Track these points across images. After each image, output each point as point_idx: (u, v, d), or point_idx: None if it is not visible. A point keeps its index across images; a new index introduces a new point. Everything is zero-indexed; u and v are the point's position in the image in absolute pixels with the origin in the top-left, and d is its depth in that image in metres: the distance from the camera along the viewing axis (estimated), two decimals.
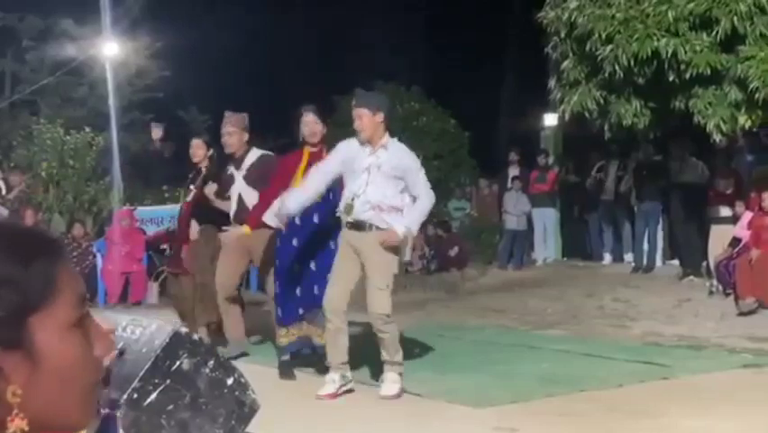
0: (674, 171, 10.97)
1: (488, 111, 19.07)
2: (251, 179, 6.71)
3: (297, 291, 6.06)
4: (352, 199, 5.34)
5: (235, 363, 1.36)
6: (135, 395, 1.46)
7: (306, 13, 21.86)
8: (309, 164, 5.88)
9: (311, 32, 21.58)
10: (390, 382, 5.48)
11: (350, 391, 5.55)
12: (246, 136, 6.86)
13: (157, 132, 7.10)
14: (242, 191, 6.73)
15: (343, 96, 16.65)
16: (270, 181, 6.30)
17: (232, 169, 6.88)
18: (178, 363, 1.52)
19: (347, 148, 5.49)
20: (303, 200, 5.55)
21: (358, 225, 5.37)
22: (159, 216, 13.05)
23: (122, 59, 15.50)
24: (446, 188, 14.51)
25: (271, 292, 6.41)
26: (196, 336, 1.50)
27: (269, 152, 7.12)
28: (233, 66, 19.33)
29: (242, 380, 1.54)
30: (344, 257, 5.45)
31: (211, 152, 7.42)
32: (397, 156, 5.40)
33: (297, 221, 5.97)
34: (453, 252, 13.62)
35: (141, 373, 1.49)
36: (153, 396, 1.54)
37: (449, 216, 14.87)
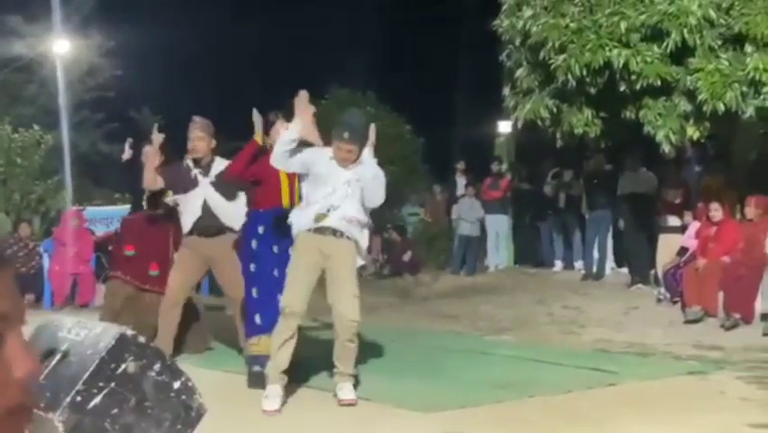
0: (625, 181, 11.14)
1: (442, 117, 19.17)
2: (219, 186, 6.63)
3: (262, 300, 5.93)
4: (328, 210, 5.32)
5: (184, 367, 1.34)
6: (79, 398, 1.43)
7: (262, 15, 21.75)
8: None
9: (266, 34, 21.48)
10: (349, 389, 5.43)
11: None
12: (213, 143, 6.82)
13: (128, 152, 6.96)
14: (209, 197, 6.62)
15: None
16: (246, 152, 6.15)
17: (196, 172, 6.72)
18: (123, 366, 1.49)
19: (319, 155, 5.45)
20: (295, 159, 5.43)
21: (330, 231, 5.35)
22: (108, 216, 12.86)
23: (73, 58, 15.27)
24: (400, 193, 14.55)
25: (238, 299, 6.32)
26: (142, 339, 1.47)
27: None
28: (187, 67, 19.16)
29: (190, 384, 1.51)
30: (308, 260, 5.35)
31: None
32: (371, 170, 5.42)
33: (277, 228, 5.89)
34: (407, 257, 13.65)
35: (86, 376, 1.46)
36: (97, 399, 1.51)
37: (403, 221, 14.92)
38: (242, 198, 6.72)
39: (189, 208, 6.66)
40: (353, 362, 5.46)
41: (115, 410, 1.44)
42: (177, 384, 1.39)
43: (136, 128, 17.77)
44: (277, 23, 21.33)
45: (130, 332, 1.58)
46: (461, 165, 14.66)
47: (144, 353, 1.49)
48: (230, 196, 6.66)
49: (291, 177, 5.88)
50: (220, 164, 6.70)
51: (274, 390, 5.30)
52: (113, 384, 1.46)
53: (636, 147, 10.56)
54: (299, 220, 5.44)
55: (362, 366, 6.29)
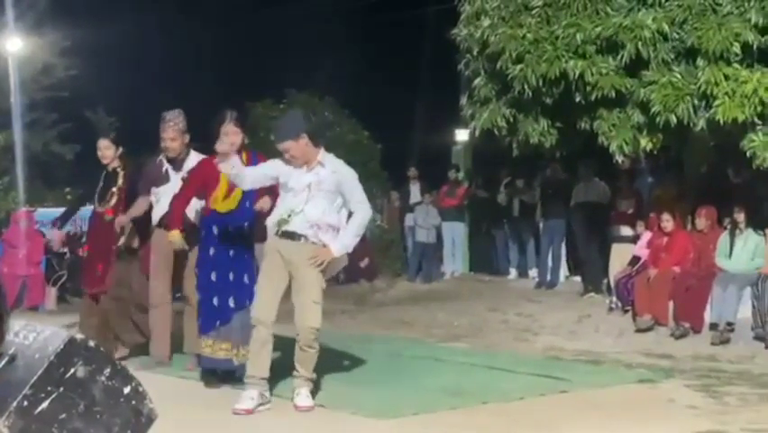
0: (579, 191, 11.27)
1: (400, 124, 19.21)
2: None
3: (215, 302, 5.95)
4: (289, 216, 5.30)
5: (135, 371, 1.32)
6: (26, 403, 1.41)
7: (221, 17, 21.62)
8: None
9: (225, 36, 21.35)
10: (305, 396, 5.43)
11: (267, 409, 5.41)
12: (187, 138, 6.77)
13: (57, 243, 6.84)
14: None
15: (255, 102, 16.55)
16: (188, 183, 6.23)
17: (168, 167, 6.72)
18: (72, 370, 1.47)
19: (278, 163, 5.46)
20: (252, 179, 5.50)
21: (292, 236, 5.31)
22: None
23: (27, 56, 15.01)
24: None
25: (192, 300, 6.38)
26: (92, 343, 1.44)
27: (208, 157, 7.07)
28: (144, 67, 18.96)
29: (140, 389, 1.49)
30: (272, 266, 5.36)
31: (120, 150, 7.14)
32: (335, 170, 5.39)
33: (215, 230, 5.94)
34: (364, 263, 13.64)
35: (33, 380, 1.43)
36: (45, 404, 1.49)
37: None
38: None
39: (160, 203, 6.67)
40: (312, 367, 5.44)
41: (63, 416, 1.41)
42: (127, 389, 1.37)
43: (90, 129, 17.54)
44: (236, 24, 21.22)
45: (80, 336, 1.55)
46: (412, 172, 14.71)
47: (94, 357, 1.46)
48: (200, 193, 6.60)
49: (231, 185, 5.83)
50: (194, 159, 6.68)
51: (249, 394, 5.33)
52: (61, 389, 1.44)
53: (590, 157, 10.71)
54: (268, 227, 5.47)
55: (318, 373, 6.27)
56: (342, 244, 5.38)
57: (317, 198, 5.30)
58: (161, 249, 6.59)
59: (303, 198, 5.30)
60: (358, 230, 5.44)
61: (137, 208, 6.84)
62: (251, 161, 5.89)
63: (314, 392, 5.63)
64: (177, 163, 6.70)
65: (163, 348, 6.77)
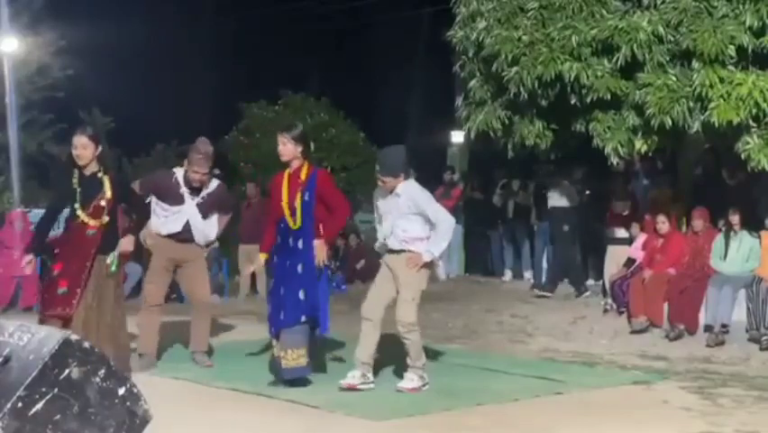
0: (553, 195, 11.38)
1: (396, 126, 19.23)
2: (204, 207, 6.95)
3: (272, 310, 6.28)
4: (385, 238, 6.32)
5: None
6: (20, 404, 1.41)
7: (217, 18, 21.63)
8: (289, 184, 6.19)
9: (221, 37, 21.35)
10: (409, 379, 6.11)
11: (370, 390, 6.07)
12: (209, 167, 6.98)
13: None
14: (193, 218, 6.89)
15: (251, 102, 16.56)
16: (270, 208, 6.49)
17: (186, 190, 6.91)
18: (66, 371, 1.47)
19: (379, 196, 6.48)
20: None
21: (393, 250, 6.27)
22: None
23: (22, 56, 14.98)
24: (353, 200, 14.54)
25: (199, 303, 6.99)
26: (87, 344, 1.44)
27: (221, 182, 7.29)
28: (140, 68, 18.95)
29: (135, 390, 1.49)
30: (383, 276, 6.33)
31: (100, 149, 6.07)
32: (409, 195, 6.25)
33: (280, 242, 6.26)
34: (360, 264, 13.64)
35: (28, 381, 1.43)
36: (39, 405, 1.49)
37: (355, 228, 14.91)
38: (214, 218, 7.08)
39: (169, 221, 6.87)
40: (415, 354, 6.15)
41: (58, 417, 1.41)
42: (122, 391, 1.37)
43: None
44: (231, 25, 21.22)
45: (74, 337, 1.54)
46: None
47: (89, 358, 1.46)
48: (208, 216, 7.00)
49: (292, 197, 6.15)
50: (212, 184, 7.01)
51: (352, 372, 6.12)
52: (55, 390, 1.43)
53: (565, 161, 10.89)
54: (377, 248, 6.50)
55: (313, 375, 6.28)
56: (429, 250, 6.20)
57: (398, 219, 6.22)
58: (163, 255, 6.91)
59: (389, 222, 6.26)
60: (442, 239, 6.30)
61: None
62: (311, 175, 6.17)
63: (307, 394, 5.71)
64: (195, 189, 6.91)
65: (152, 347, 6.90)
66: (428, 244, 6.22)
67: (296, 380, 6.08)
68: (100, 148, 6.05)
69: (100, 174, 6.00)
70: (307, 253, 6.09)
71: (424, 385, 6.11)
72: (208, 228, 7.04)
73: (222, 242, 12.79)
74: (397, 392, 6.05)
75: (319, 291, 6.16)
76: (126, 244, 6.09)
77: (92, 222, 5.95)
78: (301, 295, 6.06)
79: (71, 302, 5.84)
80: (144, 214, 6.51)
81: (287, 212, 6.17)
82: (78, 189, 5.98)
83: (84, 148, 5.96)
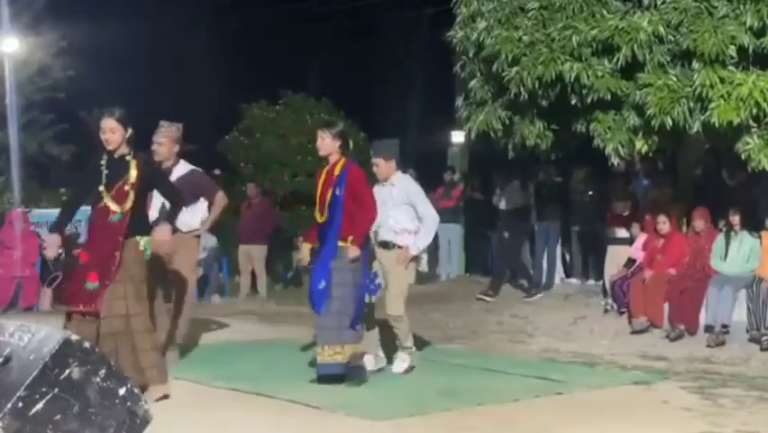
0: (506, 196, 11.72)
1: (397, 126, 19.23)
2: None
3: (310, 291, 6.38)
4: (376, 228, 6.55)
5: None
6: (20, 404, 1.41)
7: (217, 18, 21.62)
8: (326, 180, 6.30)
9: (221, 37, 21.35)
10: (400, 360, 6.69)
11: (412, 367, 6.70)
12: (176, 147, 6.87)
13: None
14: (166, 201, 6.53)
15: (251, 103, 16.56)
16: None
17: None
18: (67, 371, 1.47)
19: (377, 187, 6.71)
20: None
21: (383, 244, 6.63)
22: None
23: (23, 57, 14.98)
24: None
25: (179, 299, 6.87)
26: (87, 344, 1.44)
27: (198, 168, 7.17)
28: (140, 68, 18.94)
29: (135, 390, 1.49)
30: (378, 269, 6.64)
31: (129, 132, 5.73)
32: (403, 187, 6.66)
33: (318, 234, 6.39)
34: None
35: (28, 381, 1.43)
36: (40, 405, 1.49)
37: None
38: (198, 205, 6.94)
39: (150, 208, 6.66)
40: (404, 338, 6.72)
41: (58, 417, 1.41)
42: (122, 391, 1.37)
43: (86, 130, 17.51)
44: (232, 25, 21.21)
45: (75, 337, 1.54)
46: (408, 173, 14.68)
47: (89, 358, 1.46)
48: (186, 201, 6.62)
49: (325, 191, 6.27)
50: (182, 168, 6.89)
51: (401, 356, 6.75)
52: (56, 390, 1.43)
53: (516, 164, 11.08)
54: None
55: (310, 374, 6.29)
56: (416, 244, 6.62)
57: (392, 209, 6.54)
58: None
59: (383, 211, 6.44)
60: (428, 232, 6.69)
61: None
62: (343, 171, 6.23)
63: (307, 394, 5.72)
64: (166, 170, 6.82)
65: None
66: (416, 238, 6.62)
67: (329, 376, 6.11)
68: (130, 131, 5.72)
69: (128, 157, 5.69)
70: (331, 246, 6.15)
71: (411, 366, 6.72)
72: (189, 215, 6.79)
73: (222, 242, 12.83)
74: (397, 392, 6.05)
75: (354, 291, 6.19)
76: (161, 232, 5.70)
77: (114, 206, 5.59)
78: (321, 284, 6.15)
79: (99, 299, 5.46)
80: (177, 200, 6.00)
81: (317, 206, 6.31)
82: (105, 172, 5.69)
83: (112, 132, 5.67)
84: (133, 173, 5.63)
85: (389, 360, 6.83)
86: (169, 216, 5.96)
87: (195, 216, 6.99)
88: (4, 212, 12.44)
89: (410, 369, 6.74)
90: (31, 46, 15.16)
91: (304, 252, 6.55)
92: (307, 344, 7.42)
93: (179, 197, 6.02)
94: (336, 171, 6.25)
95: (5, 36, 14.09)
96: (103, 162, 5.72)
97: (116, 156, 5.69)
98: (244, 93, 16.81)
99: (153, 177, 5.83)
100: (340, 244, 6.17)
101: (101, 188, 5.65)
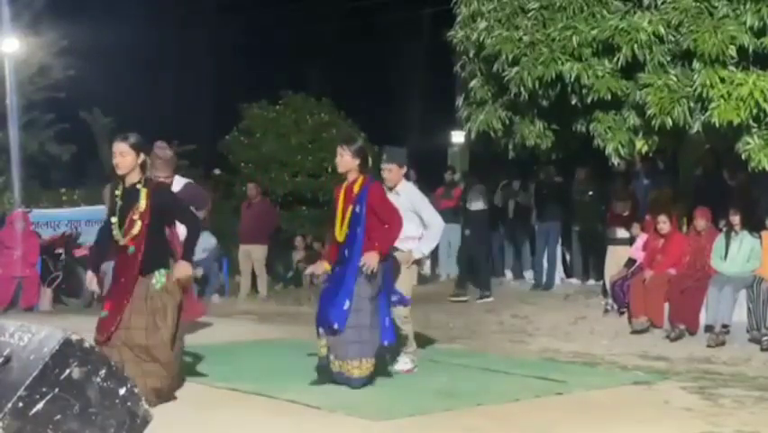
0: (467, 199, 11.89)
1: (397, 126, 19.24)
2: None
3: (320, 311, 6.29)
4: None
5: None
6: (21, 404, 1.41)
7: (217, 19, 21.62)
8: (345, 197, 6.26)
9: (221, 37, 21.35)
10: (403, 362, 6.79)
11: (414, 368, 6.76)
12: (173, 166, 6.92)
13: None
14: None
15: (252, 103, 16.56)
16: None
17: None
18: (67, 371, 1.47)
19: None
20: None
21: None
22: (55, 219, 12.64)
23: (23, 57, 14.98)
24: None
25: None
26: (87, 344, 1.44)
27: (191, 181, 7.26)
28: (140, 68, 18.95)
29: (136, 390, 1.49)
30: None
31: (142, 158, 5.57)
32: (408, 195, 6.80)
33: (338, 251, 6.29)
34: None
35: (28, 382, 1.43)
36: (40, 405, 1.49)
37: None
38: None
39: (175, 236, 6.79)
40: (408, 341, 6.82)
41: (59, 417, 1.41)
42: (122, 391, 1.37)
43: (86, 129, 17.51)
44: (232, 26, 21.21)
45: (75, 337, 1.54)
46: (409, 174, 14.70)
47: (89, 358, 1.47)
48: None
49: (345, 209, 6.23)
50: (178, 184, 6.98)
51: (403, 358, 6.84)
52: (56, 390, 1.43)
53: (476, 166, 11.16)
54: None
55: (312, 375, 6.28)
56: (419, 249, 6.81)
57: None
58: None
59: None
60: (433, 238, 6.91)
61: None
62: (363, 188, 6.20)
63: (307, 394, 5.74)
64: None
65: None
66: (420, 243, 6.81)
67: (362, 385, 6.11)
68: (142, 156, 5.54)
69: (139, 186, 5.52)
70: (354, 264, 6.10)
71: (415, 367, 6.80)
72: (182, 229, 6.45)
73: (222, 242, 12.83)
74: (397, 392, 6.05)
75: (381, 304, 6.19)
76: (181, 269, 5.55)
77: (122, 239, 5.48)
78: (346, 305, 6.05)
79: (109, 328, 5.41)
80: (193, 227, 5.79)
81: (337, 223, 6.25)
82: (120, 203, 5.56)
83: (122, 156, 5.51)
84: (143, 203, 5.48)
85: (393, 359, 6.81)
86: (186, 248, 5.75)
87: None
88: (4, 212, 12.44)
89: (413, 369, 6.78)
90: (31, 46, 15.16)
91: (320, 270, 6.49)
92: (307, 344, 7.41)
93: (194, 223, 5.85)
94: (356, 189, 6.21)
95: (6, 36, 14.09)
96: (118, 193, 5.60)
97: (128, 185, 5.56)
98: (244, 93, 16.81)
99: (165, 205, 5.61)
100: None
101: (114, 219, 5.56)
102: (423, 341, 8.62)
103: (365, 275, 6.06)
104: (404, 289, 6.65)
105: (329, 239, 6.73)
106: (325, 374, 6.19)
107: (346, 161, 6.27)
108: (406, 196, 6.77)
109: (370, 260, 6.04)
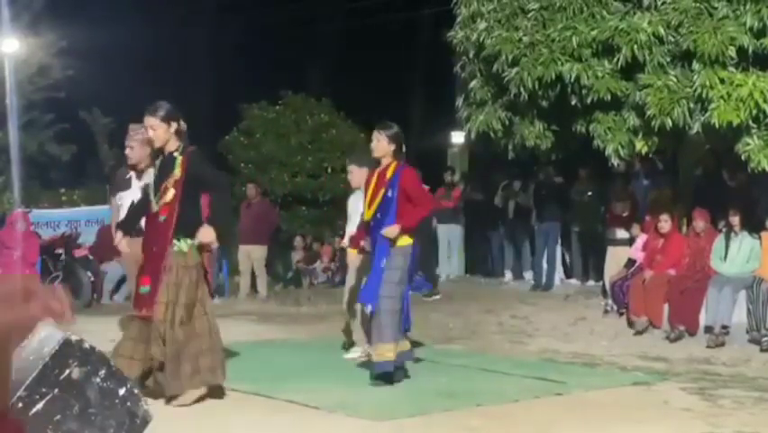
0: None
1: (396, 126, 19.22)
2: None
3: (363, 287, 6.47)
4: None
5: None
6: (20, 404, 1.41)
7: (217, 19, 21.62)
8: (377, 181, 6.34)
9: (221, 37, 21.34)
10: (353, 351, 7.15)
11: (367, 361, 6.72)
12: (149, 150, 6.82)
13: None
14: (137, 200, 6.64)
15: (252, 103, 16.56)
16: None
17: (131, 174, 6.89)
18: (67, 371, 1.47)
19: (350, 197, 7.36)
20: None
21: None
22: (55, 219, 12.65)
23: (23, 57, 14.99)
24: None
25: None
26: (87, 345, 1.44)
27: None
28: (140, 68, 18.95)
29: (135, 391, 1.49)
30: (352, 272, 7.12)
31: (175, 126, 5.61)
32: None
33: (373, 231, 6.38)
34: None
35: (28, 382, 1.43)
36: (40, 405, 1.49)
37: None
38: None
39: (123, 209, 6.75)
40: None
41: (58, 417, 1.41)
42: (122, 391, 1.37)
43: (86, 130, 17.51)
44: (232, 26, 21.21)
45: (75, 337, 1.54)
46: None
47: (89, 358, 1.47)
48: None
49: (375, 192, 6.31)
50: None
51: (354, 349, 7.26)
52: (56, 390, 1.44)
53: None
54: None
55: (311, 375, 6.29)
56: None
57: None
58: (131, 257, 6.36)
59: (355, 220, 6.90)
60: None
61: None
62: (396, 172, 6.28)
63: (307, 394, 5.71)
64: (139, 172, 6.82)
65: None
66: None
67: (383, 374, 6.16)
68: (174, 125, 5.53)
69: (176, 154, 5.51)
70: (383, 247, 6.19)
71: (366, 359, 6.82)
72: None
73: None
74: (397, 393, 6.05)
75: (401, 289, 6.25)
76: (204, 234, 5.45)
77: (157, 205, 5.47)
78: (374, 283, 6.18)
79: (152, 302, 5.39)
80: (222, 194, 5.78)
81: (365, 205, 6.36)
82: (156, 173, 5.59)
83: (153, 129, 5.53)
84: (177, 171, 5.46)
85: (343, 347, 7.34)
86: (213, 213, 5.72)
87: None
88: (4, 212, 12.44)
89: (364, 361, 6.89)
90: (30, 46, 15.18)
91: (350, 257, 6.63)
92: (307, 344, 7.42)
93: (225, 192, 5.83)
94: (389, 174, 6.32)
95: (5, 37, 14.09)
96: (157, 163, 5.64)
97: (166, 154, 5.56)
98: (244, 93, 16.81)
99: (198, 172, 5.53)
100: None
101: (150, 189, 5.61)
102: (422, 341, 8.63)
103: (393, 260, 6.13)
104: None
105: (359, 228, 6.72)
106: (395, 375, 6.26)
107: (383, 146, 6.35)
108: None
109: (390, 232, 6.13)
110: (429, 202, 6.48)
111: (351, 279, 7.30)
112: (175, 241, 5.44)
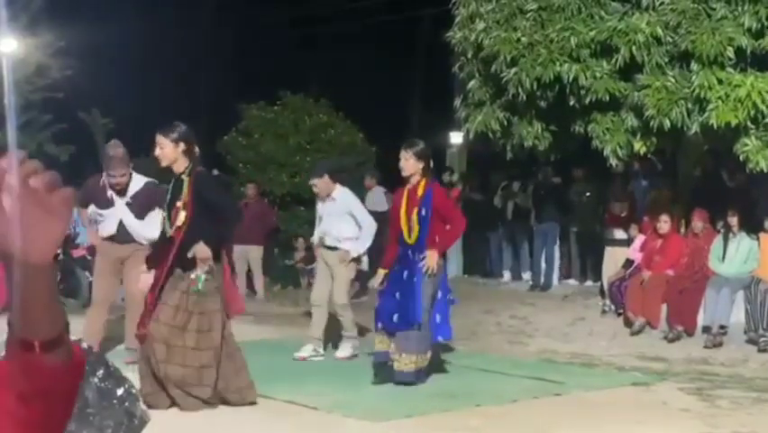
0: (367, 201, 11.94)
1: (395, 126, 19.23)
2: (135, 207, 6.84)
3: (381, 307, 6.49)
4: (322, 236, 7.54)
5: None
6: None
7: (215, 19, 21.62)
8: (408, 200, 6.36)
9: (220, 37, 21.34)
10: (343, 349, 7.33)
11: (321, 361, 7.20)
12: (130, 166, 6.91)
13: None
14: (125, 218, 6.82)
15: (250, 103, 16.55)
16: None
17: (112, 193, 6.87)
18: None
19: (320, 203, 7.65)
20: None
21: (329, 248, 7.41)
22: None
23: (21, 57, 14.97)
24: None
25: (135, 300, 6.45)
26: (85, 345, 1.44)
27: (153, 180, 6.96)
28: (139, 68, 18.94)
29: (133, 390, 1.49)
30: (321, 270, 7.56)
31: (182, 147, 5.47)
32: (343, 200, 7.39)
33: (401, 253, 6.45)
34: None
35: None
36: None
37: None
38: (154, 217, 6.64)
39: (105, 224, 6.89)
40: (348, 326, 7.43)
41: None
42: (120, 391, 1.37)
43: (85, 130, 17.50)
44: (231, 26, 21.22)
45: (73, 338, 1.54)
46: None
47: (87, 359, 1.46)
48: (143, 215, 6.82)
49: (409, 212, 6.34)
50: (137, 183, 6.88)
51: (305, 347, 7.39)
52: None
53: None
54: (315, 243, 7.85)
55: (308, 376, 6.29)
56: (355, 248, 7.36)
57: (335, 220, 7.33)
58: (107, 257, 6.93)
59: (327, 222, 7.40)
60: (366, 238, 7.41)
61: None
62: (427, 191, 6.32)
63: (305, 395, 5.73)
64: (121, 191, 6.85)
65: (93, 342, 6.78)
66: (356, 243, 7.35)
67: (404, 382, 6.17)
68: (183, 146, 5.44)
69: (183, 176, 5.45)
70: (417, 264, 6.24)
71: (355, 354, 7.22)
72: (146, 227, 6.74)
73: None
74: (396, 393, 6.05)
75: (440, 300, 6.37)
76: (199, 250, 5.33)
77: (170, 230, 5.41)
78: (413, 303, 6.18)
79: (146, 321, 5.35)
80: (230, 216, 5.68)
81: (404, 227, 6.33)
82: (169, 197, 5.54)
83: (160, 147, 5.46)
84: (185, 192, 5.39)
85: (335, 346, 7.49)
86: (219, 231, 5.57)
87: (152, 227, 6.59)
88: None
89: (353, 357, 7.20)
90: (29, 46, 15.15)
91: (380, 278, 6.59)
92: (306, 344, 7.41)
93: (230, 213, 5.72)
94: (420, 192, 6.32)
95: (3, 37, 14.06)
96: (170, 184, 5.60)
97: (176, 175, 5.51)
98: (243, 93, 16.81)
99: (204, 192, 5.44)
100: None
101: (164, 212, 5.65)
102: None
103: (427, 277, 6.21)
104: (343, 284, 7.33)
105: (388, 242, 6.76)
106: (383, 371, 6.31)
107: (411, 164, 6.36)
108: (341, 200, 7.37)
109: (430, 259, 6.20)
110: (461, 221, 6.55)
111: (321, 278, 7.59)
112: (191, 276, 5.32)
